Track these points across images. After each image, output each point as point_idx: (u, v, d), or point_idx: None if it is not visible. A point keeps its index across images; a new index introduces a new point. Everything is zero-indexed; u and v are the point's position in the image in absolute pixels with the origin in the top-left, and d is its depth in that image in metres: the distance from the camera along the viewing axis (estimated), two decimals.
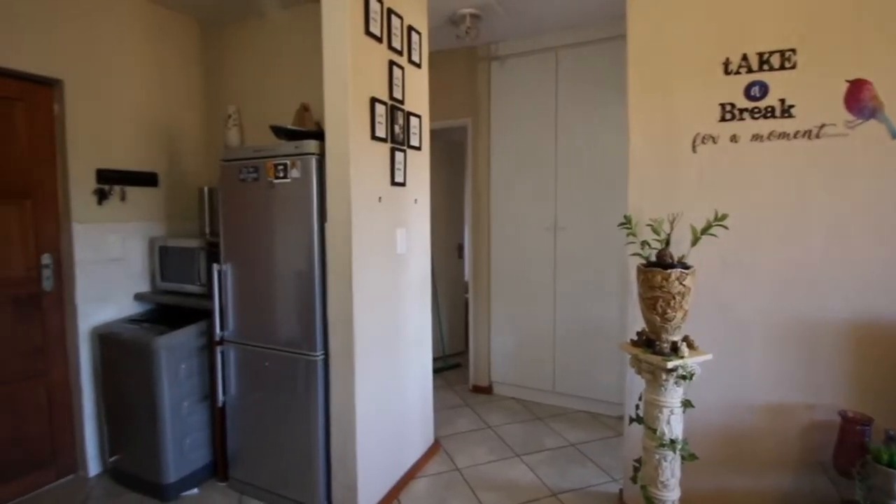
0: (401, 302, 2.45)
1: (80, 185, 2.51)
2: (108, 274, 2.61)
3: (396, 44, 2.37)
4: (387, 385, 2.33)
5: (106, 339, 2.48)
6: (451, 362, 4.38)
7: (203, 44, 3.14)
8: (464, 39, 3.16)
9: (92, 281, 2.54)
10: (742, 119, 1.98)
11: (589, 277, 3.29)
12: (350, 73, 2.03)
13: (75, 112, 2.48)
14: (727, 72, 1.99)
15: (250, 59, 3.03)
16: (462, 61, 3.64)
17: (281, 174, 2.19)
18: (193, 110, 3.09)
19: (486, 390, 3.72)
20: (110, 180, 2.61)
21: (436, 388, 2.85)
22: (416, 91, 2.57)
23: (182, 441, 2.35)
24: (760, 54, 1.94)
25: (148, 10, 2.82)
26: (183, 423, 2.35)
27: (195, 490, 2.40)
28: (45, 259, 2.43)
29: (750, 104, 1.97)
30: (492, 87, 3.58)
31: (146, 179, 2.79)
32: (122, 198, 2.67)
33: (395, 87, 2.36)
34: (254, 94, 2.99)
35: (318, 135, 2.22)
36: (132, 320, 2.59)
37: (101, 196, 2.57)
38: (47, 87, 2.43)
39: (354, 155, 2.06)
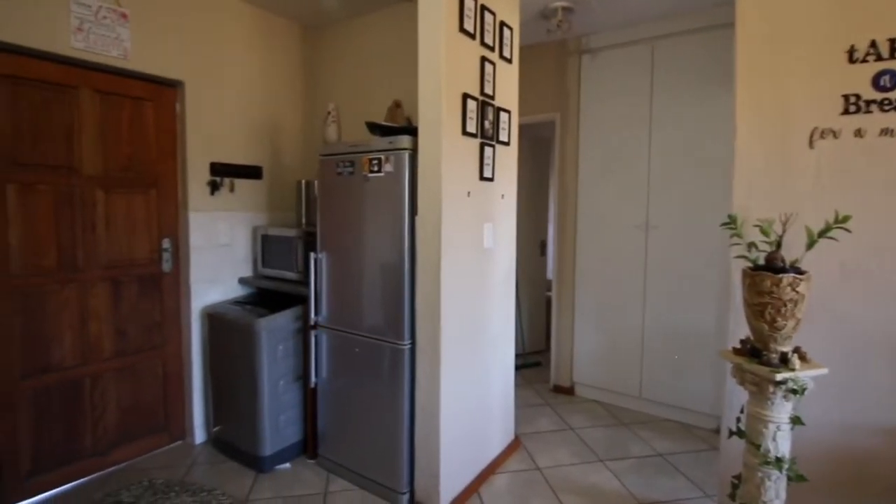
0: (486, 296, 2.46)
1: (196, 176, 2.76)
2: (216, 258, 2.86)
3: (489, 40, 2.38)
4: (470, 377, 2.35)
5: (214, 318, 2.71)
6: (530, 360, 4.34)
7: (304, 46, 3.34)
8: (555, 33, 3.11)
9: (203, 264, 2.79)
10: (869, 112, 1.78)
11: (682, 279, 3.12)
12: (444, 70, 2.06)
13: (193, 110, 2.73)
14: (852, 60, 1.79)
15: (347, 58, 3.18)
16: (551, 55, 3.58)
17: (375, 168, 2.27)
18: (294, 108, 3.30)
19: (567, 391, 3.65)
20: (221, 173, 2.85)
21: (515, 385, 2.83)
22: (506, 86, 2.57)
23: (277, 417, 2.52)
24: (892, 40, 1.73)
25: (257, 16, 3.04)
26: (279, 400, 2.52)
27: (287, 465, 2.57)
28: (165, 243, 2.71)
29: (879, 95, 1.76)
30: (582, 81, 3.49)
31: (252, 172, 3.02)
32: (231, 189, 2.91)
33: (486, 83, 2.37)
34: (350, 91, 3.14)
35: (411, 130, 2.28)
36: (236, 302, 2.81)
37: (214, 187, 2.82)
38: (171, 88, 2.70)
39: (446, 150, 2.09)
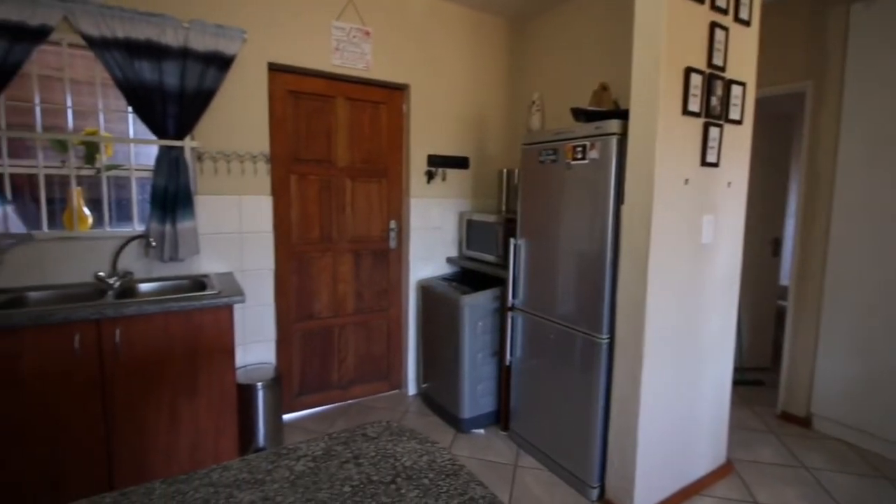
0: (701, 298, 2.21)
1: (416, 167, 3.14)
2: (430, 239, 3.23)
3: (721, 2, 2.07)
4: (676, 383, 2.17)
5: (426, 291, 3.09)
6: (749, 377, 3.72)
7: (509, 39, 3.44)
8: None
9: (419, 244, 3.19)
10: None
11: None
12: (664, 43, 1.88)
13: (415, 109, 3.10)
14: None
15: (551, 46, 3.17)
16: (803, 10, 2.91)
17: (579, 156, 2.23)
18: (498, 100, 3.45)
19: (800, 422, 3.01)
20: (436, 164, 3.19)
21: (730, 402, 2.49)
22: (742, 54, 2.21)
23: (475, 386, 2.76)
24: None
25: (467, 16, 3.25)
26: (477, 371, 2.76)
27: (482, 430, 2.81)
28: (392, 224, 3.18)
29: None
30: (850, 38, 2.74)
31: (460, 163, 3.29)
32: (444, 178, 3.23)
33: (715, 53, 2.08)
34: (554, 79, 3.13)
35: (619, 114, 2.16)
36: (444, 278, 3.14)
37: (430, 177, 3.17)
38: (400, 91, 3.11)
39: (661, 133, 1.92)
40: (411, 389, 3.29)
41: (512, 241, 2.61)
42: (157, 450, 1.98)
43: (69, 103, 2.26)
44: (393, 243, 3.20)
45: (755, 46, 2.27)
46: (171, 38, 2.26)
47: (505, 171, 3.16)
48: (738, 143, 2.26)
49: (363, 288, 3.13)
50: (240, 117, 2.56)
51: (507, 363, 2.68)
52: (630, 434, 2.06)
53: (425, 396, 3.16)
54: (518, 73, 3.44)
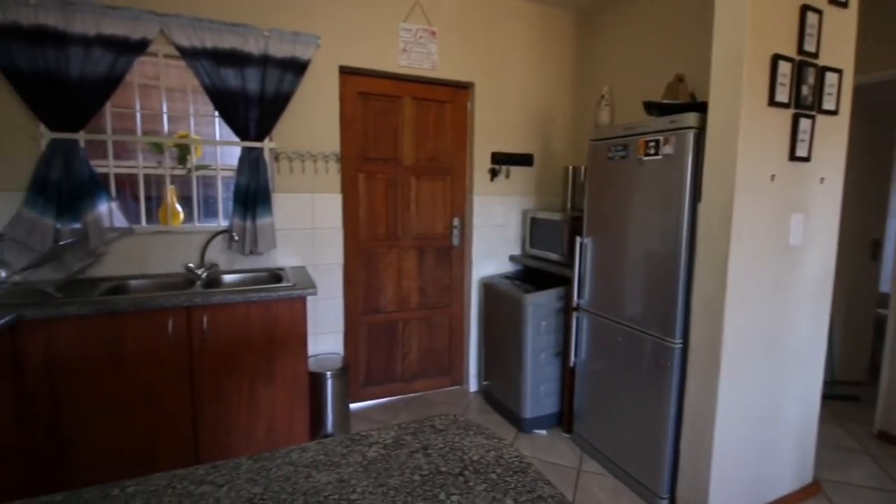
0: (787, 304, 2.04)
1: (480, 165, 3.14)
2: (492, 237, 3.23)
3: None
4: (757, 395, 2.01)
5: (488, 288, 3.09)
6: (842, 392, 3.37)
7: (576, 32, 3.35)
8: None
9: (482, 241, 3.20)
10: None
11: None
12: (748, 29, 1.76)
13: (480, 107, 3.10)
14: None
15: (621, 38, 3.05)
16: None
17: (651, 151, 2.14)
18: (564, 96, 3.37)
19: None
20: (500, 161, 3.17)
21: (819, 418, 2.29)
22: (838, 39, 2.01)
23: (538, 386, 2.73)
24: None
25: (534, 10, 3.20)
26: (540, 370, 2.72)
27: (544, 431, 2.77)
28: (455, 222, 3.21)
29: None
30: None
31: (525, 160, 3.26)
32: (507, 175, 3.21)
33: (806, 38, 1.91)
34: (623, 72, 3.01)
35: (696, 106, 2.04)
36: (506, 276, 3.13)
37: (493, 174, 3.16)
38: (465, 90, 3.12)
39: (744, 125, 1.80)
40: (472, 386, 3.30)
41: (578, 239, 2.55)
42: (238, 430, 2.13)
43: (165, 109, 2.48)
44: (456, 241, 3.22)
45: (853, 30, 2.07)
46: (252, 47, 2.42)
47: (571, 167, 3.09)
48: (832, 135, 2.07)
49: (427, 284, 3.18)
50: (313, 119, 2.69)
51: (572, 364, 2.62)
52: (704, 445, 1.95)
53: (486, 394, 3.16)
54: (585, 68, 3.35)
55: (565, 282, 2.69)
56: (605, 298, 2.42)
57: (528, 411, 2.73)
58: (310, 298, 2.22)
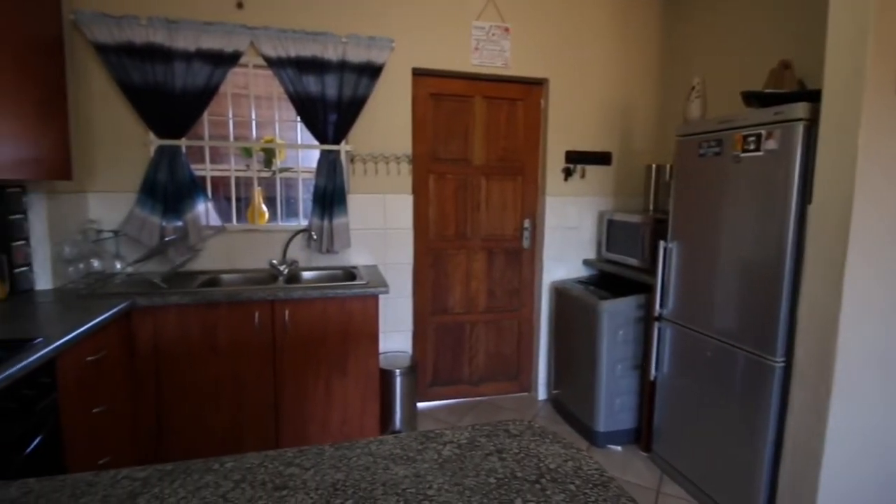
0: None
1: (553, 164, 3.05)
2: (565, 240, 3.12)
3: None
4: (881, 427, 1.75)
5: (560, 293, 2.98)
6: None
7: (661, 20, 3.15)
8: None
9: (554, 244, 3.10)
10: None
11: None
12: (873, 4, 1.55)
13: (554, 104, 3.01)
14: None
15: (713, 24, 2.82)
16: None
17: (751, 146, 1.95)
18: (647, 89, 3.19)
19: None
20: (575, 160, 3.06)
21: None
22: None
23: (613, 399, 2.58)
24: None
25: (616, 0, 3.04)
26: (615, 383, 2.57)
27: (619, 448, 2.62)
28: (526, 223, 3.14)
29: None
30: None
31: (602, 158, 3.12)
32: (582, 175, 3.09)
33: None
34: (715, 61, 2.79)
35: (806, 95, 1.83)
36: (579, 281, 3.00)
37: (567, 174, 3.06)
38: (538, 87, 3.05)
39: (867, 116, 1.58)
40: (541, 394, 3.20)
41: (661, 243, 2.39)
42: (314, 419, 2.21)
43: (253, 116, 2.65)
44: (526, 242, 3.15)
45: None
46: (331, 53, 2.52)
47: (654, 166, 2.90)
48: None
49: (495, 286, 3.14)
50: (386, 121, 2.75)
51: (652, 378, 2.45)
52: (809, 478, 1.73)
53: (556, 403, 3.05)
54: (671, 58, 3.14)
55: (645, 289, 2.53)
56: (692, 309, 2.24)
57: (602, 425, 2.59)
58: (381, 297, 2.26)
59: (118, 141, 2.40)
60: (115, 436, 1.83)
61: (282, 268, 2.51)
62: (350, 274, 2.57)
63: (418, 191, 2.91)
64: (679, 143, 2.32)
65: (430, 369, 3.08)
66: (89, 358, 1.63)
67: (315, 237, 2.59)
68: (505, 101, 3.02)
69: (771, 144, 1.86)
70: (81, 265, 2.26)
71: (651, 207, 2.90)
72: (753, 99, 2.04)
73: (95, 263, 2.33)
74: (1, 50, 1.60)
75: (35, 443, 1.33)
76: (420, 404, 3.02)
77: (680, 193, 2.33)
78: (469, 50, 2.83)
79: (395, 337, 2.90)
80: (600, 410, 2.58)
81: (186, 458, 1.86)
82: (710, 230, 2.14)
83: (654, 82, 3.19)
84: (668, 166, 2.78)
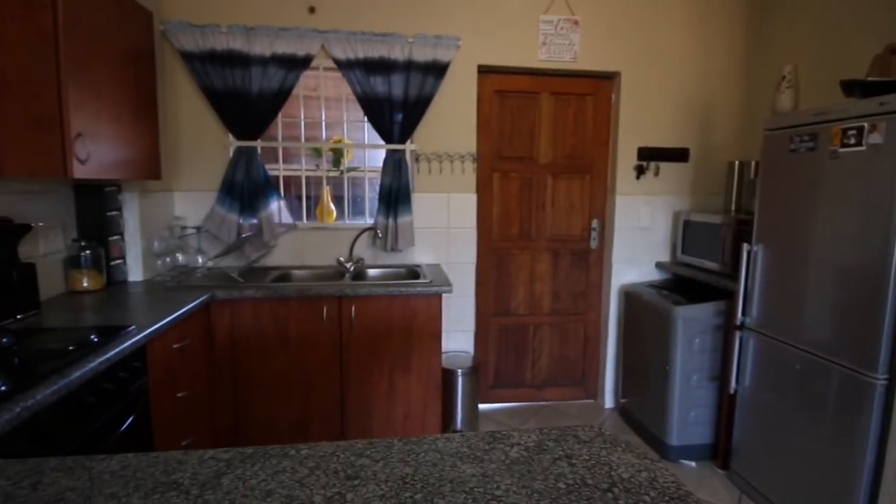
0: None
1: (624, 162, 2.91)
2: (636, 241, 2.97)
3: None
4: None
5: (630, 297, 2.84)
6: None
7: (746, 6, 2.91)
8: None
9: (624, 245, 2.96)
10: None
11: None
12: None
13: (625, 98, 2.87)
14: None
15: (806, 7, 2.57)
16: None
17: (851, 141, 1.75)
18: (731, 80, 2.96)
19: None
20: (648, 157, 2.91)
21: None
22: None
23: (687, 412, 2.42)
24: None
25: None
26: (690, 395, 2.41)
27: (692, 463, 2.45)
28: (594, 223, 3.02)
29: None
30: None
31: (678, 155, 2.94)
32: (656, 173, 2.93)
33: None
34: (808, 48, 2.54)
35: None
36: (651, 285, 2.84)
37: (639, 171, 2.91)
38: (608, 80, 2.92)
39: None
40: (608, 402, 3.06)
41: (745, 246, 2.20)
42: (378, 414, 2.25)
43: (323, 117, 2.74)
44: (594, 243, 3.03)
45: None
46: (398, 54, 2.55)
47: (737, 163, 2.69)
48: None
49: (560, 288, 3.04)
50: (451, 120, 2.75)
51: (732, 391, 2.27)
52: None
53: (624, 412, 2.91)
54: (758, 45, 2.90)
55: (725, 295, 2.35)
56: (780, 318, 2.04)
57: (675, 438, 2.43)
58: (443, 296, 2.26)
59: (201, 143, 2.58)
60: (196, 419, 1.95)
61: (348, 265, 2.58)
62: (414, 272, 2.60)
63: (482, 190, 2.89)
64: (767, 137, 2.13)
65: (491, 371, 3.04)
66: (175, 345, 1.76)
67: (380, 235, 2.64)
68: (573, 96, 2.92)
69: (875, 138, 1.66)
70: (168, 259, 2.44)
71: (733, 207, 2.69)
72: (855, 88, 1.83)
73: (180, 258, 2.51)
74: (104, 63, 1.76)
75: (128, 422, 1.44)
76: (481, 406, 2.99)
77: (767, 192, 2.14)
78: (536, 45, 2.77)
79: (457, 337, 2.89)
80: (673, 423, 2.42)
81: (258, 443, 1.95)
82: (801, 232, 1.94)
83: (737, 72, 2.96)
84: (752, 163, 2.58)
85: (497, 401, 3.06)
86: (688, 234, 2.76)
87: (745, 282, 2.20)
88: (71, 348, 1.31)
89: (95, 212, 2.08)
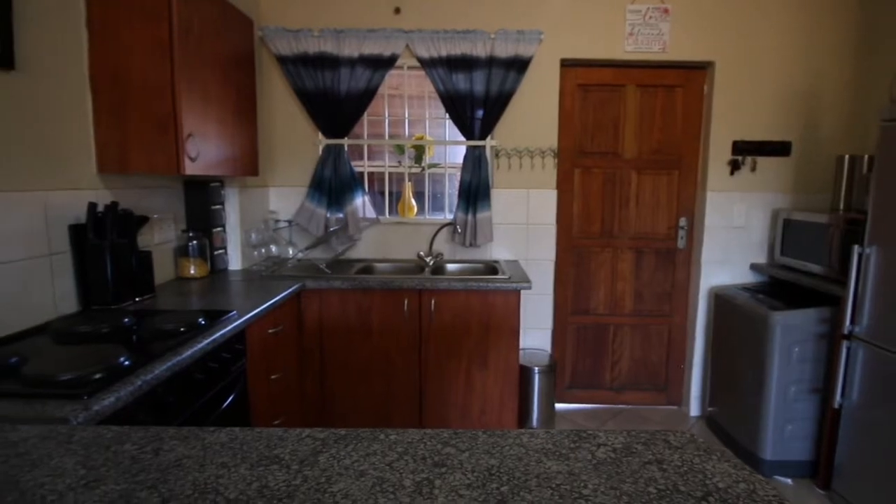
0: None
1: (717, 156, 2.73)
2: (729, 240, 2.78)
3: None
4: None
5: (721, 300, 2.66)
6: None
7: None
8: None
9: (715, 245, 2.78)
10: None
11: None
12: None
13: (720, 90, 2.69)
14: None
15: None
16: None
17: None
18: (838, 68, 2.67)
19: None
20: (744, 151, 2.70)
21: None
22: None
23: (783, 425, 2.24)
24: None
25: None
26: (787, 407, 2.23)
27: (789, 481, 2.27)
28: (682, 222, 2.86)
29: None
30: None
31: (778, 149, 2.70)
32: (753, 168, 2.72)
33: None
34: None
35: None
36: (745, 288, 2.65)
37: (734, 166, 2.71)
38: (700, 71, 2.75)
39: None
40: (693, 410, 2.90)
41: (855, 248, 1.99)
42: (455, 405, 2.32)
43: (406, 115, 2.83)
44: (682, 243, 2.88)
45: None
46: (480, 50, 2.57)
47: (847, 157, 2.43)
48: None
49: (643, 288, 2.92)
50: (532, 115, 2.72)
51: (836, 406, 2.07)
52: None
53: (711, 421, 2.74)
54: (872, 30, 2.58)
55: (829, 301, 2.15)
56: (894, 328, 1.83)
57: (769, 452, 2.26)
58: (521, 293, 2.26)
59: (293, 141, 2.77)
60: (287, 400, 2.12)
61: (428, 259, 2.66)
62: (492, 268, 2.62)
63: (563, 186, 2.84)
64: (884, 129, 1.91)
65: (568, 370, 3.00)
66: (270, 330, 1.91)
67: (459, 230, 2.69)
68: (661, 88, 2.78)
69: None
70: (262, 250, 2.66)
71: (842, 206, 2.44)
72: None
73: (273, 249, 2.72)
74: (211, 68, 1.92)
75: (230, 399, 1.58)
76: (557, 405, 2.96)
77: (883, 189, 1.91)
78: (622, 36, 2.67)
79: (535, 334, 2.88)
80: (767, 436, 2.25)
81: (343, 425, 2.08)
82: None
83: (847, 59, 2.66)
84: (865, 157, 2.32)
85: (574, 401, 3.01)
86: (788, 234, 2.53)
87: (856, 287, 1.99)
88: (182, 329, 1.41)
89: (201, 205, 2.27)
